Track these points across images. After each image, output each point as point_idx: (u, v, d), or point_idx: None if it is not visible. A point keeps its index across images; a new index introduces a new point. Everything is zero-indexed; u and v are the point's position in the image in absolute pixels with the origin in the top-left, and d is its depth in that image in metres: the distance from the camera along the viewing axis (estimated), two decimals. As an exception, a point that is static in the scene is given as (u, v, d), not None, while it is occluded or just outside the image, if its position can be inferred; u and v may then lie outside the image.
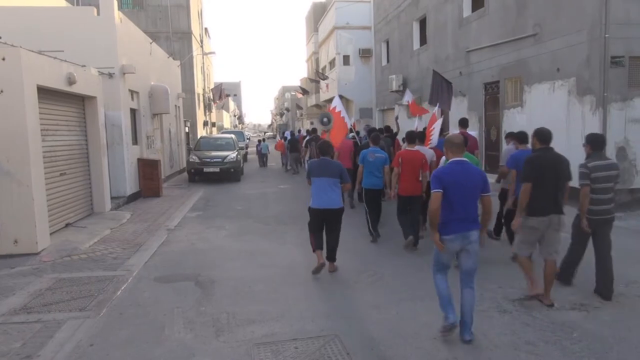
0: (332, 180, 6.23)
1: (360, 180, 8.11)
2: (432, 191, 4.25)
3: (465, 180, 4.20)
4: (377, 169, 7.93)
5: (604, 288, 5.20)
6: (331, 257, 6.42)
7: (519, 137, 6.68)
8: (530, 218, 5.02)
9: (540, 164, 5.00)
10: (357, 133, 14.52)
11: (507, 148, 7.29)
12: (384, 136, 11.57)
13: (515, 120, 11.67)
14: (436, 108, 11.22)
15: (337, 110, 11.10)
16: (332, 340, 4.31)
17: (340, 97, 17.49)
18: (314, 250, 6.42)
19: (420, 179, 7.21)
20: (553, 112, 10.29)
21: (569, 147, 9.84)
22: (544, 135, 5.14)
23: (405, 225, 7.43)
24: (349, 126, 11.99)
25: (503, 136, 11.82)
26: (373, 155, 7.99)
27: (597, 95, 9.17)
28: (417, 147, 7.50)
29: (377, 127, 15.73)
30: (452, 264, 4.47)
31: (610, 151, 9.19)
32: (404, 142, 9.34)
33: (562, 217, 5.04)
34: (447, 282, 4.43)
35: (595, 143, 5.25)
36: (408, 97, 14.51)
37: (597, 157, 5.19)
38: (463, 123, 9.03)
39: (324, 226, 6.38)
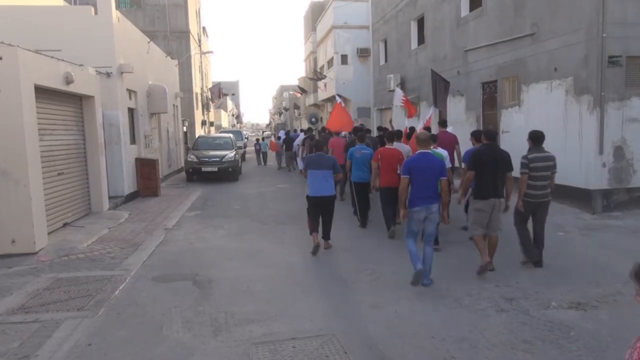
0: (326, 172, 7.18)
1: (349, 174, 8.99)
2: (401, 176, 5.70)
3: (427, 167, 5.57)
4: (364, 164, 8.72)
5: (539, 256, 6.20)
6: (326, 235, 7.41)
7: (476, 136, 7.59)
8: (476, 201, 6.05)
9: (481, 157, 6.05)
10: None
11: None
12: (378, 135, 12.40)
13: (512, 119, 11.68)
14: (431, 111, 12.04)
15: (342, 105, 12.96)
16: (330, 340, 4.31)
17: (339, 96, 17.86)
18: (310, 233, 7.33)
19: (399, 172, 7.80)
20: (550, 111, 10.31)
21: (566, 146, 9.88)
22: (490, 134, 6.38)
23: (388, 216, 8.16)
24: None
25: (501, 135, 11.85)
26: (360, 152, 8.86)
27: (594, 94, 9.18)
28: (395, 145, 8.29)
29: (365, 127, 16.42)
30: (420, 232, 5.78)
31: (607, 150, 9.22)
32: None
33: (502, 201, 6.01)
34: (416, 245, 5.70)
35: (535, 139, 6.24)
36: (397, 101, 14.69)
37: (536, 151, 6.17)
38: (443, 124, 10.12)
39: (319, 212, 7.31)
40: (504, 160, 6.00)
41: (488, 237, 6.05)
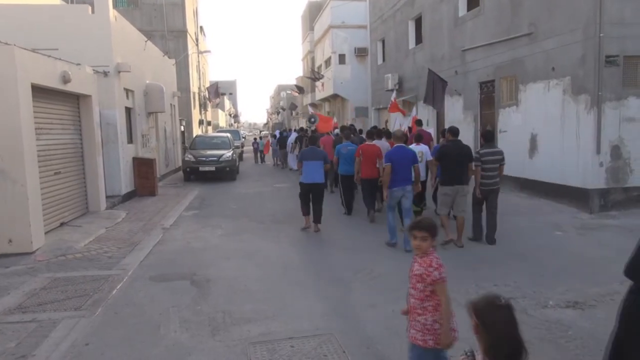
0: (318, 163, 8.43)
1: (336, 168, 10.18)
2: (384, 164, 7.30)
3: (403, 157, 7.16)
4: (350, 159, 9.78)
5: (489, 236, 7.32)
6: (316, 220, 8.54)
7: (443, 133, 8.64)
8: (443, 187, 7.41)
9: (445, 151, 7.39)
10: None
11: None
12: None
13: (510, 119, 11.70)
14: (414, 112, 13.49)
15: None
16: (328, 339, 4.31)
17: (337, 96, 18.15)
18: (303, 215, 8.62)
19: (378, 165, 8.91)
20: (548, 110, 10.33)
21: (563, 146, 9.90)
22: (454, 131, 7.54)
23: (368, 202, 9.25)
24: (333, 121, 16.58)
25: (498, 135, 11.87)
26: (346, 148, 10.06)
27: (591, 94, 9.20)
28: (375, 142, 9.29)
29: (353, 127, 17.32)
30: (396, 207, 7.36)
31: (604, 150, 9.24)
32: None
33: (465, 187, 7.30)
34: (394, 217, 7.29)
35: (486, 137, 7.51)
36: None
37: (487, 147, 7.33)
38: (418, 123, 11.30)
39: (310, 197, 8.46)
40: (466, 153, 7.33)
41: (456, 219, 7.37)
